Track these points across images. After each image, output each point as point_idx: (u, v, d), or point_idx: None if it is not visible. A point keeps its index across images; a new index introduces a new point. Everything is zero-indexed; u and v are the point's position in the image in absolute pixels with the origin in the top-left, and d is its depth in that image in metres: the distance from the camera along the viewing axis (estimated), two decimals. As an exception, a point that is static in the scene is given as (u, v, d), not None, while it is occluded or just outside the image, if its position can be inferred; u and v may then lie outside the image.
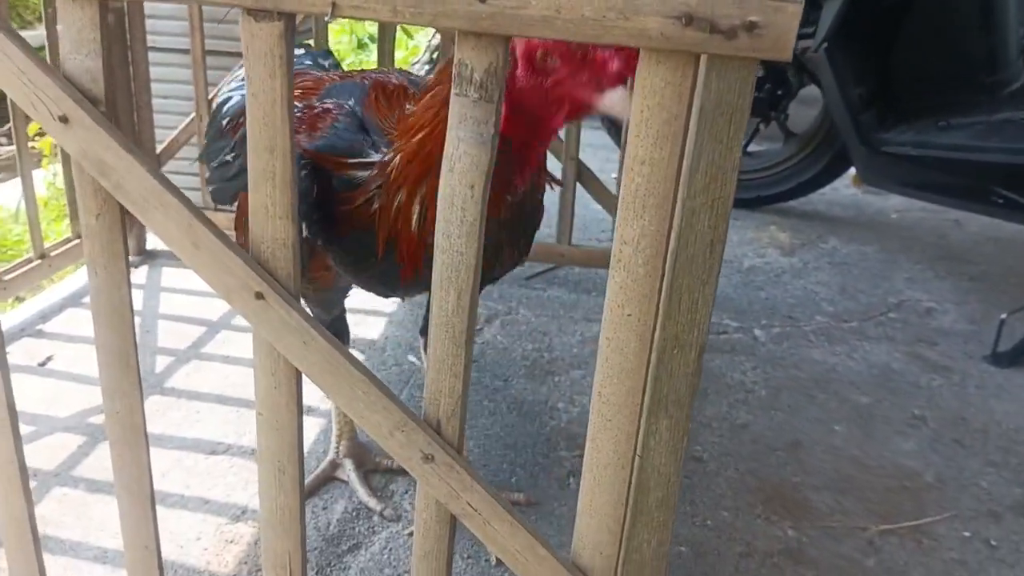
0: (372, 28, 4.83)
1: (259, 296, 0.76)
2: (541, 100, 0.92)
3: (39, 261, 1.87)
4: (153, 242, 2.17)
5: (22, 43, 0.72)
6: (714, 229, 0.71)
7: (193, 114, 2.11)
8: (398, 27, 1.91)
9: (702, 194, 0.70)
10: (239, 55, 0.77)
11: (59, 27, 0.71)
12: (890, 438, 1.63)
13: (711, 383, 1.77)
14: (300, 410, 0.81)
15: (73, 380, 1.60)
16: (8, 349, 0.92)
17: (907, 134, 2.11)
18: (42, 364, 1.66)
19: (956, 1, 2.13)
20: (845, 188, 3.10)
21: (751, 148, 2.86)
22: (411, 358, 1.78)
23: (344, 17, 0.67)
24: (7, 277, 1.78)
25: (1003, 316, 1.94)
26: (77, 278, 2.01)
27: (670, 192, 0.70)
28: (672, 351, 0.74)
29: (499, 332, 1.93)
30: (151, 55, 2.09)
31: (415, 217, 1.00)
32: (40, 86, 0.71)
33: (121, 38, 1.97)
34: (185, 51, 2.10)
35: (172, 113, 2.21)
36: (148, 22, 2.07)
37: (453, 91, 0.70)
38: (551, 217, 2.31)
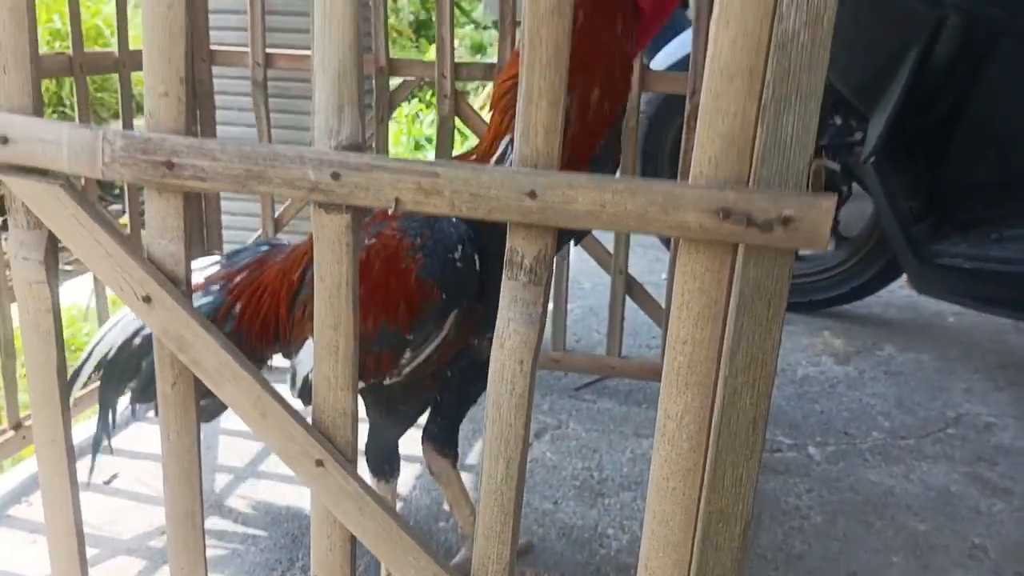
0: (429, 130, 5.02)
1: (319, 463, 0.80)
2: None
3: (12, 432, 1.72)
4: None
5: (112, 229, 0.79)
6: (756, 407, 0.73)
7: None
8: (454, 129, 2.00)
9: (743, 373, 0.72)
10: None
11: (145, 214, 0.78)
12: (949, 571, 1.58)
13: (766, 508, 1.75)
14: (354, 572, 0.84)
15: (136, 500, 1.66)
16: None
17: (960, 246, 2.10)
18: (107, 482, 1.72)
19: (1007, 112, 2.14)
20: (900, 289, 3.07)
21: (803, 252, 2.87)
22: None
23: (407, 211, 0.73)
24: (76, 395, 1.85)
25: (1068, 436, 1.88)
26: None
27: (712, 371, 0.73)
28: (717, 525, 0.76)
29: (549, 448, 1.94)
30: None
31: None
32: (126, 268, 0.78)
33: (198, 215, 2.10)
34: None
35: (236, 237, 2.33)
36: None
37: (505, 274, 0.74)
38: (601, 322, 2.33)
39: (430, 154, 4.97)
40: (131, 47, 1.82)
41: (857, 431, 2.09)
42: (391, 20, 11.05)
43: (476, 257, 1.02)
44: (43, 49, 5.56)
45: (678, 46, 2.62)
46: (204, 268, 1.23)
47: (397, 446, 1.34)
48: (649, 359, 2.22)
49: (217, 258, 1.25)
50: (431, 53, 8.55)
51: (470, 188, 0.70)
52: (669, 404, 0.74)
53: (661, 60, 2.65)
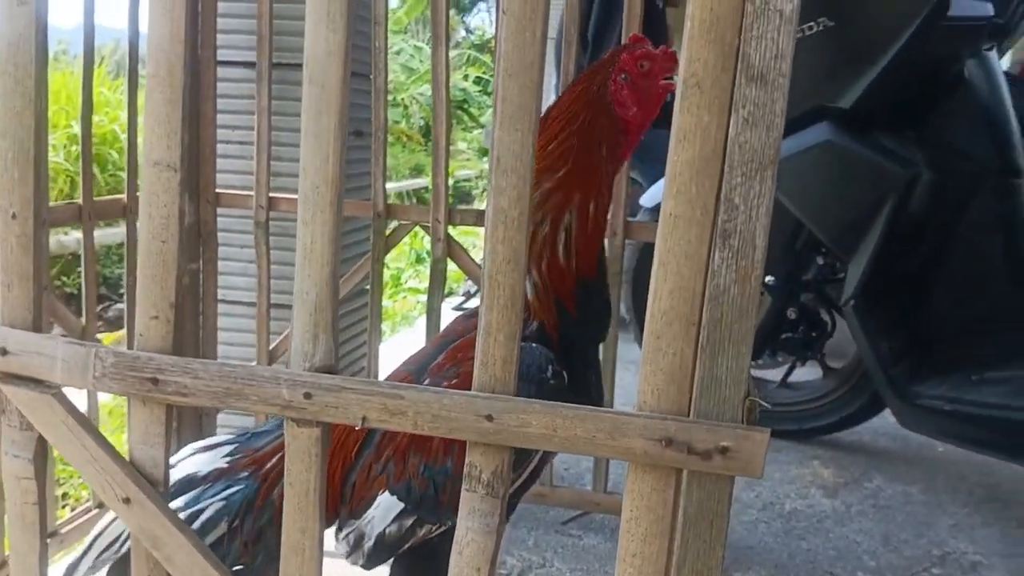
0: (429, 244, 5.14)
1: (288, 661, 0.83)
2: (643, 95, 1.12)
3: (49, 539, 1.84)
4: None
5: (97, 435, 0.84)
6: (704, 619, 0.76)
7: (254, 362, 2.27)
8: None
9: (690, 588, 0.75)
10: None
11: (128, 420, 0.83)
12: None
13: (747, 657, 1.74)
14: None
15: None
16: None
17: (940, 388, 2.14)
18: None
19: (986, 256, 2.22)
20: (889, 417, 3.09)
21: (791, 380, 2.91)
22: None
23: (373, 427, 0.78)
24: (64, 530, 1.87)
25: (1053, 585, 1.88)
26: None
27: (661, 584, 0.76)
28: None
29: (534, 589, 1.94)
30: (220, 307, 2.29)
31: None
32: (109, 472, 0.83)
33: (194, 293, 2.18)
34: (251, 304, 2.29)
35: (234, 357, 2.38)
36: (220, 277, 2.29)
37: (464, 487, 0.79)
38: (588, 460, 2.35)
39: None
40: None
41: (843, 571, 2.09)
42: (401, 125, 11.43)
43: (564, 373, 1.08)
44: (59, 156, 5.78)
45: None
46: (217, 452, 1.21)
47: None
48: (636, 495, 2.23)
49: (221, 439, 1.24)
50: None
51: (432, 410, 0.76)
52: (621, 614, 0.78)
53: (652, 196, 2.75)
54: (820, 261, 2.64)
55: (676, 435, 0.72)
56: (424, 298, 4.93)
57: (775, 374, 2.96)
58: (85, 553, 1.14)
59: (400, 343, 4.18)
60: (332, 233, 0.77)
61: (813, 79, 2.16)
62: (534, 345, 1.05)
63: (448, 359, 1.12)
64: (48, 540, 1.83)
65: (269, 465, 1.18)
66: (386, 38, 2.01)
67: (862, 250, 2.15)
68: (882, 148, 2.17)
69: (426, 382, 1.10)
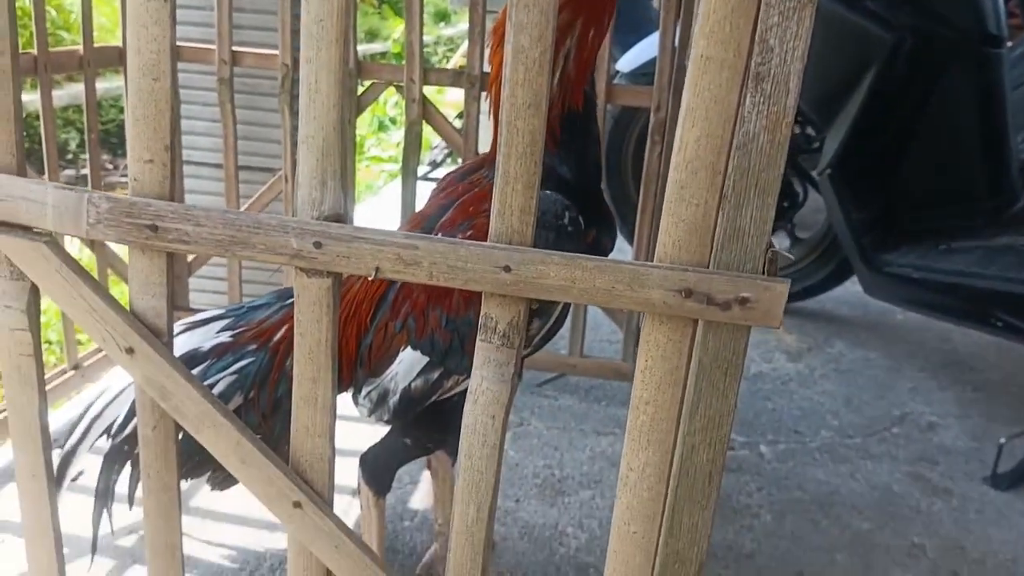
0: (393, 111, 5.00)
1: (296, 505, 0.84)
2: None
3: (72, 372, 1.96)
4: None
5: (95, 284, 0.81)
6: (712, 463, 0.78)
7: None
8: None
9: (700, 433, 0.77)
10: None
11: (129, 270, 0.80)
12: (889, 569, 1.68)
13: (718, 507, 1.82)
14: (329, 606, 0.88)
15: (105, 500, 1.68)
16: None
17: (909, 256, 2.19)
18: (73, 479, 1.74)
19: (954, 130, 2.23)
20: (852, 285, 3.16)
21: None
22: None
23: (386, 278, 0.76)
24: (87, 363, 1.90)
25: (1002, 440, 1.99)
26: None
27: (671, 429, 0.78)
28: (674, 566, 0.82)
29: (511, 446, 2.00)
30: (184, 168, 2.21)
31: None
32: (110, 323, 0.80)
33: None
34: (218, 165, 2.22)
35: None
36: (183, 138, 2.20)
37: (479, 337, 0.78)
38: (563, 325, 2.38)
39: (394, 134, 4.96)
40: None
41: (807, 429, 2.19)
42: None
43: (580, 219, 1.06)
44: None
45: (646, 48, 2.65)
46: (210, 327, 1.18)
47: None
48: (609, 359, 2.28)
49: (209, 315, 1.20)
50: (394, 20, 8.43)
51: (448, 261, 0.74)
52: (632, 458, 0.80)
53: (629, 60, 2.68)
54: (796, 130, 2.63)
55: (696, 286, 0.72)
56: (388, 167, 4.86)
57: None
58: (80, 442, 1.12)
59: (366, 210, 4.12)
60: (338, 72, 0.72)
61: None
62: (548, 192, 1.03)
63: (459, 213, 1.09)
64: (71, 373, 1.89)
65: (279, 336, 1.15)
66: None
67: (842, 118, 2.14)
68: (869, 12, 2.12)
69: (438, 236, 1.08)
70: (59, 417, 1.96)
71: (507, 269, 0.73)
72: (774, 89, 0.66)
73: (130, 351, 0.81)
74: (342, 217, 0.75)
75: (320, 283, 0.77)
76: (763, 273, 0.71)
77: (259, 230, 0.75)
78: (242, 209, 2.09)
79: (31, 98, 2.22)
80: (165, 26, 0.73)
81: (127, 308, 0.81)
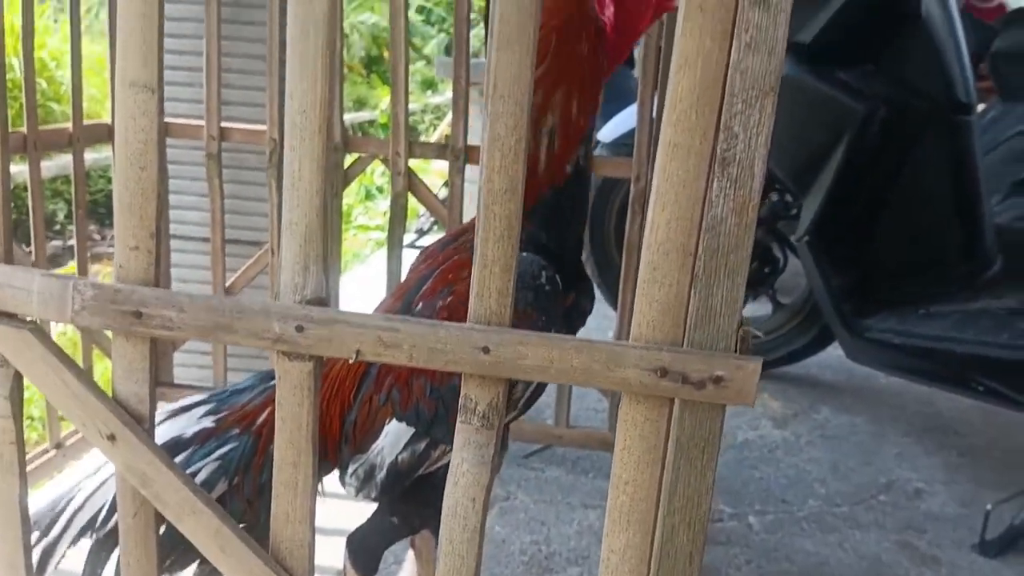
0: (380, 180, 5.06)
1: (278, 593, 0.83)
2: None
3: (54, 451, 1.93)
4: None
5: (78, 371, 0.81)
6: (692, 543, 0.78)
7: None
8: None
9: (680, 512, 0.78)
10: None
11: (112, 355, 0.80)
12: (882, 643, 1.66)
13: (706, 580, 1.81)
14: None
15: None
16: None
17: (889, 321, 2.21)
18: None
19: (930, 194, 2.28)
20: (835, 350, 3.19)
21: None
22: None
23: (366, 360, 0.77)
24: (69, 442, 1.87)
25: (988, 507, 1.99)
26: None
27: (652, 509, 0.78)
28: (659, 649, 0.81)
29: (498, 521, 1.98)
30: (172, 242, 2.23)
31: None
32: (92, 409, 0.81)
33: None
34: (205, 239, 2.24)
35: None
36: (172, 212, 2.22)
37: (459, 418, 0.79)
38: (549, 395, 2.38)
39: (381, 202, 5.01)
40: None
41: (794, 498, 2.18)
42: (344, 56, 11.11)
43: (557, 278, 1.08)
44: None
45: (625, 118, 2.71)
46: (192, 413, 1.16)
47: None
48: (596, 428, 2.28)
49: (191, 401, 1.18)
50: (382, 89, 8.58)
51: (427, 343, 0.75)
52: (613, 539, 0.80)
53: (609, 131, 2.74)
54: (774, 198, 2.68)
55: (671, 365, 0.73)
56: (375, 235, 4.90)
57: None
58: (62, 534, 1.09)
59: (353, 279, 4.14)
60: (321, 160, 0.75)
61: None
62: (524, 254, 1.04)
63: (439, 282, 1.10)
64: (52, 452, 1.86)
65: (262, 419, 1.14)
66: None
67: (817, 186, 2.19)
68: (841, 83, 2.19)
69: (419, 307, 1.09)
70: (40, 498, 1.93)
71: (486, 350, 0.74)
72: (740, 173, 0.69)
73: (111, 438, 0.81)
74: (324, 301, 0.77)
75: (302, 367, 0.78)
76: (735, 351, 0.73)
77: (242, 315, 0.76)
78: (228, 282, 2.10)
79: (19, 169, 2.24)
80: (152, 117, 0.75)
81: (110, 393, 0.81)
